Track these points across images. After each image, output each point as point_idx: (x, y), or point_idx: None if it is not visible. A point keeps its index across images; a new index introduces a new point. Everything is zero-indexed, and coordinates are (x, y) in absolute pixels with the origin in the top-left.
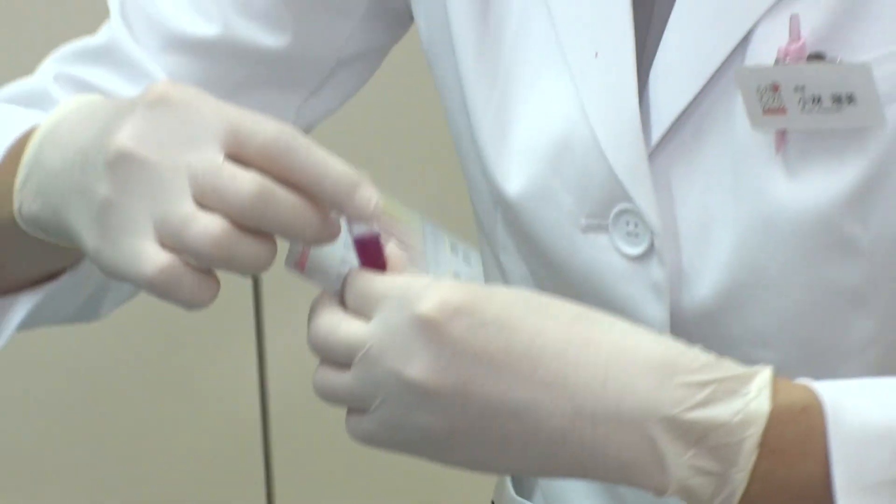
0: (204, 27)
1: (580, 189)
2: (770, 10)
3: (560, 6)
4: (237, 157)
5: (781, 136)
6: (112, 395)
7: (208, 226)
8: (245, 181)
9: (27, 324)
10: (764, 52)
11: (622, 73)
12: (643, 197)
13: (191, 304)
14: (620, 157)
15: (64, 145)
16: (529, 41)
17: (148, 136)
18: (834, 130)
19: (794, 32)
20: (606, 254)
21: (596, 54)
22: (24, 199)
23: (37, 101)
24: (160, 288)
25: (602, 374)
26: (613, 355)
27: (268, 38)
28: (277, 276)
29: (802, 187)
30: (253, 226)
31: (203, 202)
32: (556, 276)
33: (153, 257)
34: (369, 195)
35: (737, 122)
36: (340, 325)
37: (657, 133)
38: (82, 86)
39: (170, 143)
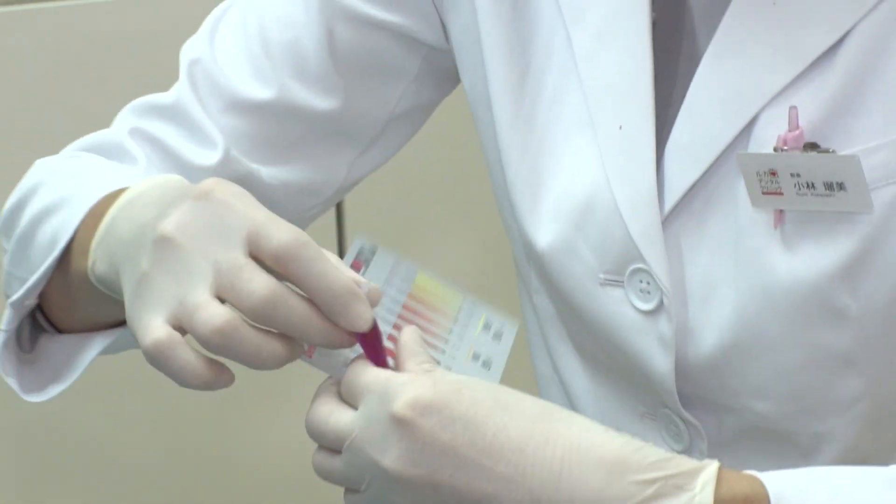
0: (260, 91)
1: (601, 247)
2: (772, 101)
3: (591, 80)
4: (257, 257)
5: (779, 214)
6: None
7: (213, 314)
8: (259, 284)
9: (107, 351)
10: (766, 138)
11: (642, 146)
12: (655, 259)
13: (179, 380)
14: (637, 222)
15: (132, 219)
16: (564, 111)
17: (188, 225)
18: (826, 212)
19: (793, 122)
20: (621, 307)
21: (620, 127)
22: (96, 259)
23: (115, 153)
24: (149, 356)
25: (558, 470)
26: (570, 453)
27: (321, 101)
28: None
29: (798, 260)
30: (262, 324)
31: (222, 295)
32: (577, 320)
33: (154, 330)
34: (362, 311)
35: (740, 199)
36: (332, 415)
37: (670, 203)
38: (153, 141)
39: (204, 235)
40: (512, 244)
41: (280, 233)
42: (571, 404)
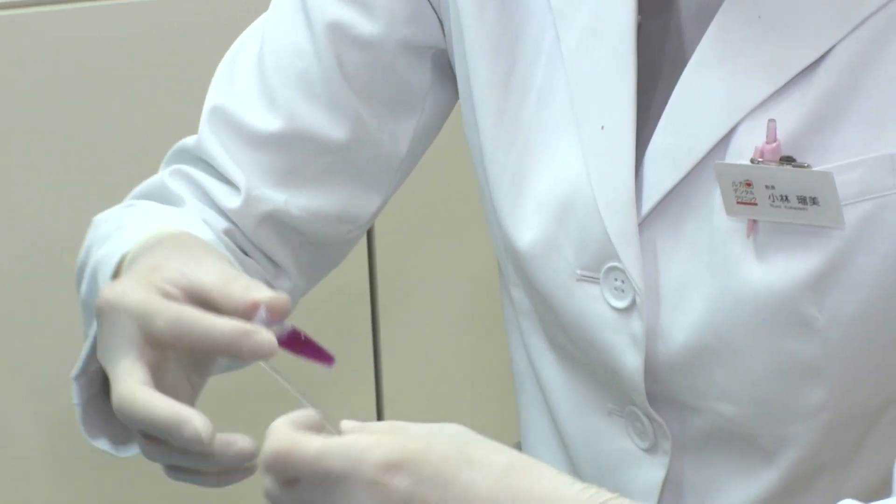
0: (273, 122)
1: (580, 243)
2: (752, 112)
3: (577, 78)
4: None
5: (753, 224)
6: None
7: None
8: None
9: None
10: (743, 148)
11: (622, 147)
12: (630, 258)
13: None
14: (614, 221)
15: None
16: (549, 109)
17: (101, 345)
18: (798, 225)
19: (771, 135)
20: (596, 303)
21: (602, 127)
22: None
23: (163, 195)
24: None
25: None
26: None
27: (339, 129)
28: (392, 288)
29: (768, 270)
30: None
31: None
32: (553, 315)
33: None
34: (259, 341)
35: (716, 206)
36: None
37: (648, 205)
38: (190, 181)
39: (110, 350)
40: (493, 239)
41: (163, 311)
42: (545, 398)
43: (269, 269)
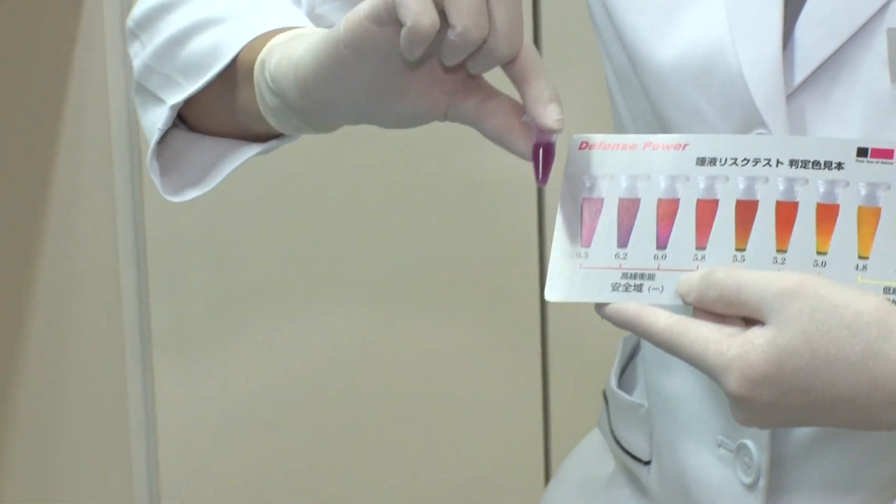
0: None
1: (724, 109)
2: None
3: None
4: None
5: None
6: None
7: None
8: None
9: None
10: None
11: (770, 10)
12: (778, 127)
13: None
14: (760, 89)
15: None
16: None
17: None
18: None
19: None
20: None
21: None
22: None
23: None
24: None
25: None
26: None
27: None
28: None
29: None
30: None
31: None
32: None
33: None
34: (556, 110)
35: (874, 78)
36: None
37: (799, 76)
38: None
39: None
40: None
41: None
42: None
43: None
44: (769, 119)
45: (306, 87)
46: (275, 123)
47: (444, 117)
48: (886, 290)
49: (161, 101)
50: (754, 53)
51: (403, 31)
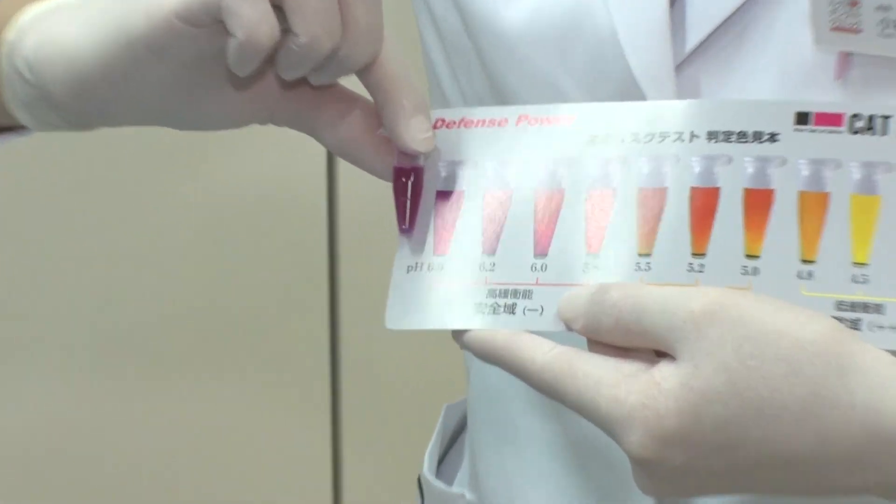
0: None
1: (590, 83)
2: None
3: None
4: None
5: (845, 60)
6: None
7: None
8: None
9: None
10: None
11: None
12: None
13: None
14: (640, 57)
15: None
16: None
17: None
18: None
19: None
20: None
21: None
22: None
23: None
24: None
25: None
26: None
27: None
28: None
29: None
30: None
31: None
32: None
33: None
34: (425, 125)
35: (791, 40)
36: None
37: (693, 40)
38: None
39: None
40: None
41: None
42: None
43: None
44: (651, 95)
45: (87, 86)
46: (23, 118)
47: (270, 121)
48: (840, 305)
49: None
50: (633, 11)
51: (233, 44)
